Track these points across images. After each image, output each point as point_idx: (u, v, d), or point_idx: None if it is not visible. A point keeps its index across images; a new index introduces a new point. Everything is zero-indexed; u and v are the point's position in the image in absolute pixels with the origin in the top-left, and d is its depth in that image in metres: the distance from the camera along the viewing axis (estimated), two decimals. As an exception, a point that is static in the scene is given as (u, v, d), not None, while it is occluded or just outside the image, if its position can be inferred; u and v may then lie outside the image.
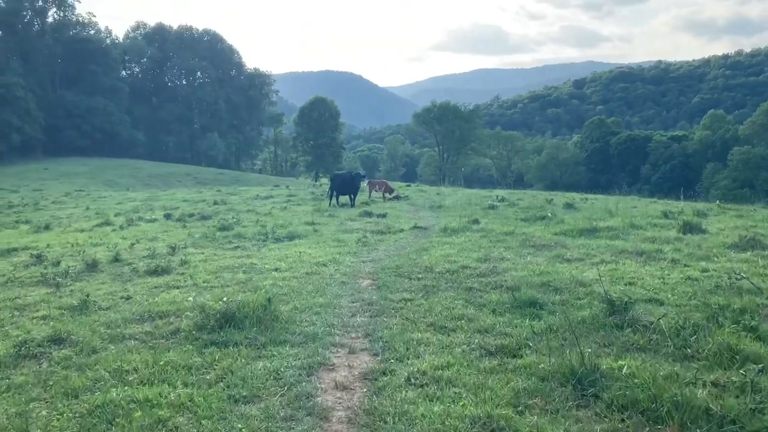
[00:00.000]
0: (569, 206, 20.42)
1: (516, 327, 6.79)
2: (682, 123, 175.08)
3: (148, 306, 8.16)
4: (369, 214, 18.94)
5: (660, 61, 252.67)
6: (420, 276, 9.71)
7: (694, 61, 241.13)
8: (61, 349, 6.54)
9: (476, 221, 16.02)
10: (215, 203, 27.10)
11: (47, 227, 19.43)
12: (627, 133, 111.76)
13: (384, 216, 18.65)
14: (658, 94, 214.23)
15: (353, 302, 8.24)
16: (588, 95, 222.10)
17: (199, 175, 66.78)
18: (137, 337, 6.92)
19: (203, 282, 9.68)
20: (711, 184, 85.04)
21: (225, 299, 7.25)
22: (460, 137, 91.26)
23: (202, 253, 12.64)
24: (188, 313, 7.46)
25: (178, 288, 9.37)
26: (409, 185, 44.32)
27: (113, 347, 6.56)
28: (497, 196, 25.18)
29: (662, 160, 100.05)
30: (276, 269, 10.60)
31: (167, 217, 20.72)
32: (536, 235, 13.43)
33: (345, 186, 23.93)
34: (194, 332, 6.77)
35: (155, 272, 10.55)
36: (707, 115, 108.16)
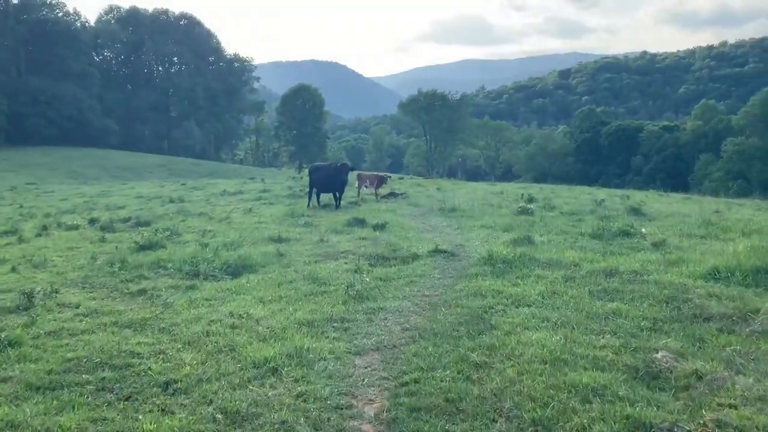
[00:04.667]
0: (635, 212, 15.69)
1: None
2: (668, 114, 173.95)
3: None
4: (361, 223, 14.18)
5: (645, 52, 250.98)
6: None
7: (679, 51, 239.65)
8: None
9: (529, 240, 11.31)
10: (171, 201, 23.34)
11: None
12: (617, 123, 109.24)
13: (383, 227, 13.65)
14: (643, 84, 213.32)
15: None
16: (573, 86, 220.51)
17: (174, 167, 63.01)
18: None
19: None
20: (704, 176, 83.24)
21: None
22: (448, 127, 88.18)
23: (76, 308, 7.83)
24: None
25: None
26: (402, 178, 41.11)
27: None
28: (523, 195, 20.58)
29: (654, 150, 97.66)
30: (165, 386, 5.26)
31: (92, 223, 16.57)
32: (671, 281, 7.94)
33: (328, 181, 19.09)
34: None
35: None
36: (699, 105, 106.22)
